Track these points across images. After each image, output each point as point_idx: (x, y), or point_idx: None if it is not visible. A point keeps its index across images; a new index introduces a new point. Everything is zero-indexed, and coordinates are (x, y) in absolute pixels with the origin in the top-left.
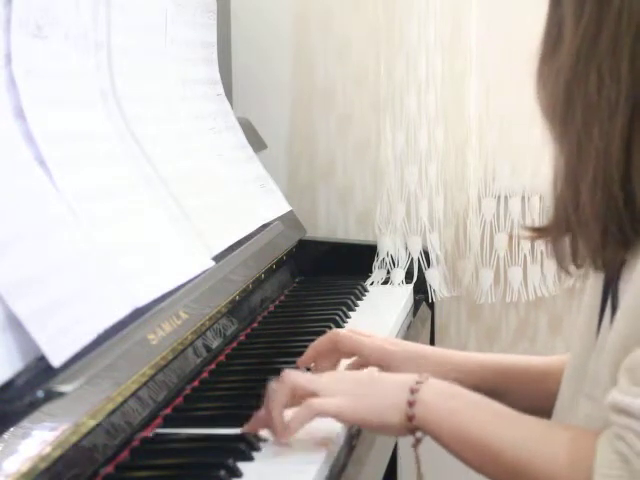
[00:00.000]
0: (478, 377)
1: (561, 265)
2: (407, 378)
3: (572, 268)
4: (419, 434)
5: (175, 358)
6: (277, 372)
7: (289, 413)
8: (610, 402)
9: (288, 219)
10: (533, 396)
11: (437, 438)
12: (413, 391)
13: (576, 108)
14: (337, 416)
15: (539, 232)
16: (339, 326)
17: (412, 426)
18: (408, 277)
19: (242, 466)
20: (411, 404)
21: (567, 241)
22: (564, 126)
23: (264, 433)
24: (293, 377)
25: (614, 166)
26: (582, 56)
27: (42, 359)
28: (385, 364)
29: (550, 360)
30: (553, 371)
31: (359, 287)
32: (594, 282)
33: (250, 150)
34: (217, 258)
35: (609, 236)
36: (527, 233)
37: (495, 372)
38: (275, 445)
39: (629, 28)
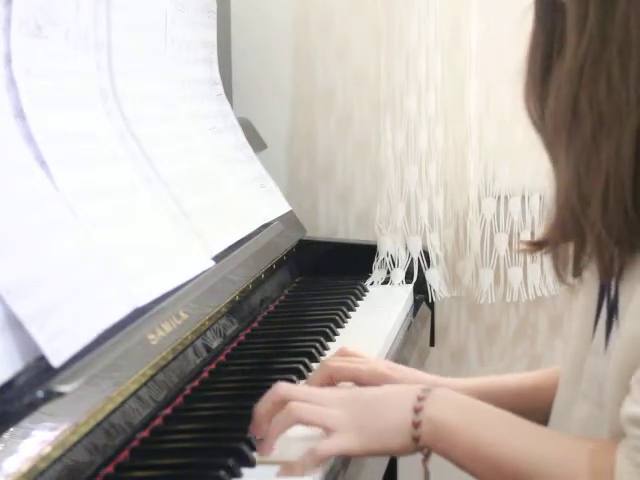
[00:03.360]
0: None
1: (559, 275)
2: (409, 394)
3: (569, 277)
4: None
5: (175, 358)
6: (277, 372)
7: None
8: (626, 414)
9: (288, 219)
10: (529, 414)
11: (448, 457)
12: (417, 410)
13: (584, 116)
14: (342, 454)
15: (538, 246)
16: (339, 326)
17: (419, 446)
18: (408, 277)
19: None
20: (416, 425)
21: (569, 250)
22: (570, 136)
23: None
24: (286, 391)
25: (626, 173)
26: (589, 63)
27: (42, 359)
28: None
29: (539, 375)
30: (544, 386)
31: (359, 287)
32: (589, 283)
33: (250, 150)
34: (217, 258)
35: (623, 244)
36: (525, 247)
37: (491, 396)
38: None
39: (638, 32)
